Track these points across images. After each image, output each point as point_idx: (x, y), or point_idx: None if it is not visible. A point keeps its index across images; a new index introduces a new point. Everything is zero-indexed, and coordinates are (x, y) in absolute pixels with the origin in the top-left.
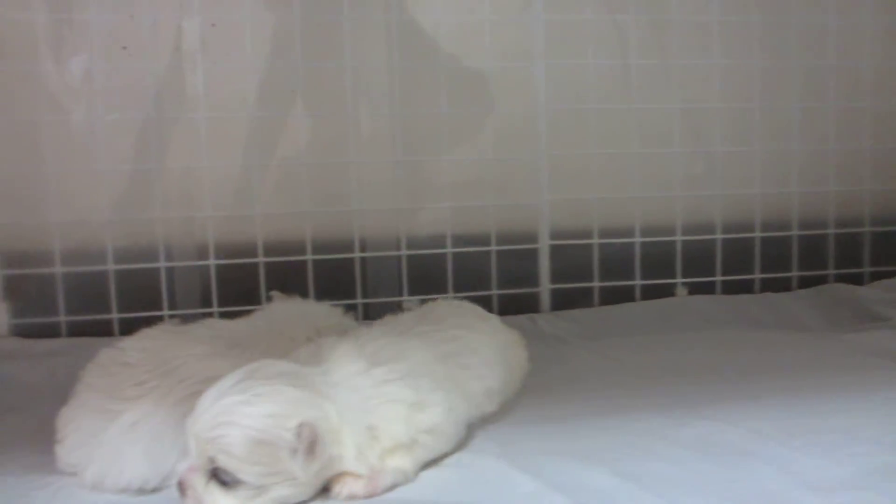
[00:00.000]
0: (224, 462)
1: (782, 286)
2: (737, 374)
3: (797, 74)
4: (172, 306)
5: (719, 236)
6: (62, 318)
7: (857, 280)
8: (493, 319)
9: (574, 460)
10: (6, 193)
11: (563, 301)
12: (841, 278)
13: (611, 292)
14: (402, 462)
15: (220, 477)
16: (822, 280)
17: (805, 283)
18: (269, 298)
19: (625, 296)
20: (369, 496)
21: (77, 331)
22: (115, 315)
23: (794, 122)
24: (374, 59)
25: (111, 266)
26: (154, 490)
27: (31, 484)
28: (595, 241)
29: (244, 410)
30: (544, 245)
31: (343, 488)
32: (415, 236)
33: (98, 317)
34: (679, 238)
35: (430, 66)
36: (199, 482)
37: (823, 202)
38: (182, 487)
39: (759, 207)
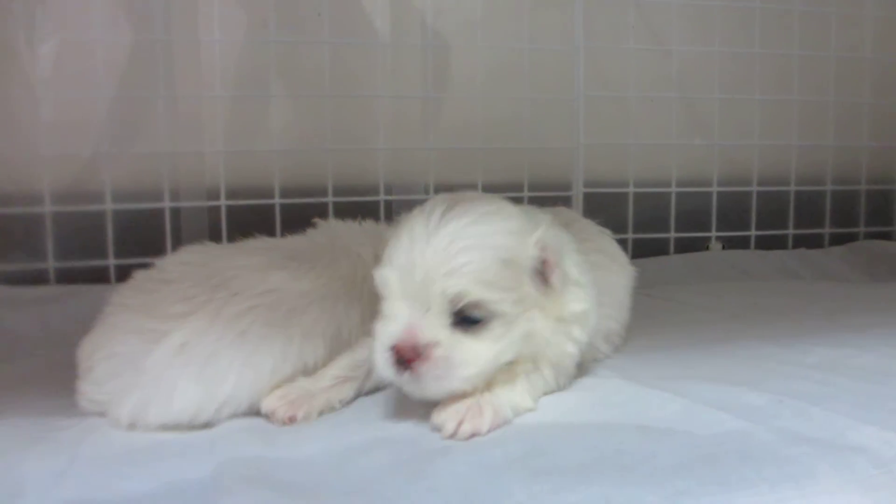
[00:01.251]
0: (478, 294)
1: (814, 243)
2: (819, 312)
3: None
4: None
5: (755, 188)
6: (51, 265)
7: (886, 238)
8: (624, 257)
9: (710, 381)
10: None
11: None
12: (870, 236)
13: (644, 245)
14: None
15: (467, 318)
16: (852, 237)
17: (836, 240)
18: (312, 225)
19: (658, 249)
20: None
21: (68, 279)
22: (111, 261)
23: (830, 74)
24: None
25: (109, 206)
26: (206, 424)
27: (48, 425)
28: (630, 189)
29: (483, 230)
30: (578, 192)
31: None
32: (443, 182)
33: (92, 263)
34: (715, 189)
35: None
36: (442, 334)
37: (856, 159)
38: (405, 354)
39: (795, 161)
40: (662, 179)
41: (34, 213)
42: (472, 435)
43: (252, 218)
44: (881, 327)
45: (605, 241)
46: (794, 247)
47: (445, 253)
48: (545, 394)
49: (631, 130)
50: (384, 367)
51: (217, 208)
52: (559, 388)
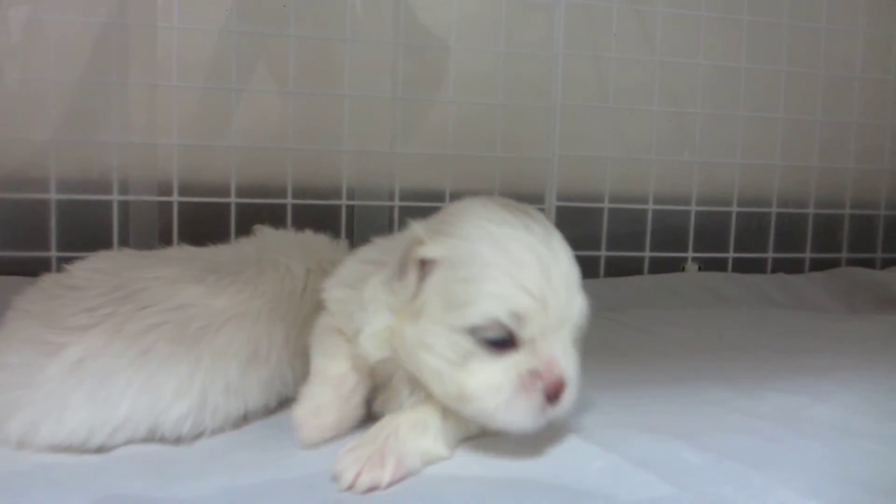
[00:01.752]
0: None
1: (794, 267)
2: (785, 349)
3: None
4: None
5: (735, 209)
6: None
7: (868, 265)
8: None
9: (650, 433)
10: None
11: None
12: (852, 262)
13: (617, 263)
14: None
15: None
16: (834, 263)
17: (817, 265)
18: (251, 233)
19: (632, 268)
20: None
21: (6, 269)
22: (53, 253)
23: (818, 92)
24: None
25: (53, 195)
26: (99, 449)
27: None
28: (605, 205)
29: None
30: (551, 206)
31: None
32: (409, 188)
33: (33, 254)
34: (693, 208)
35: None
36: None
37: (841, 181)
38: (558, 390)
39: (778, 181)
40: (639, 195)
41: None
42: (371, 488)
43: (206, 216)
44: (846, 370)
45: None
46: (773, 271)
47: (572, 273)
48: (465, 439)
49: (609, 142)
50: (528, 412)
51: (169, 204)
52: (480, 432)
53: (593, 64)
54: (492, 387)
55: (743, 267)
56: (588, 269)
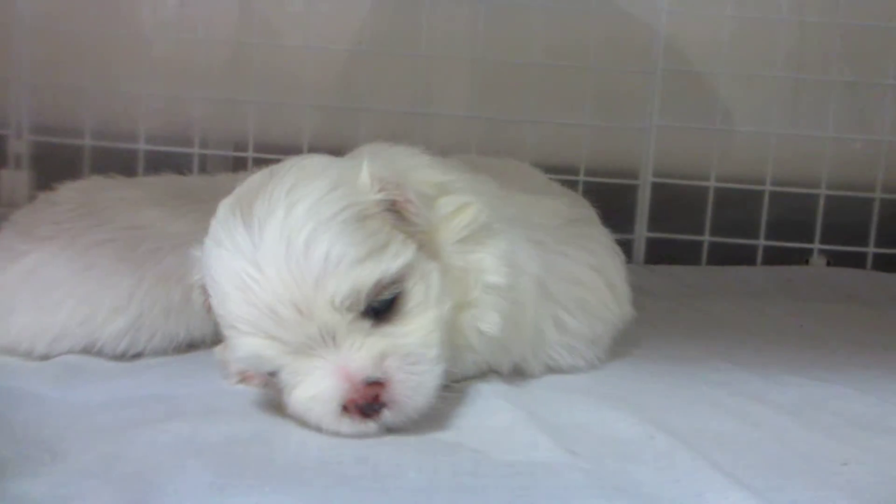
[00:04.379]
0: (365, 276)
1: None
2: (870, 344)
3: None
4: None
5: (879, 195)
6: None
7: None
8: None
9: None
10: (40, 53)
11: (661, 254)
12: None
13: (724, 251)
14: None
15: (375, 308)
16: None
17: None
18: None
19: (742, 258)
20: None
21: None
22: None
23: None
24: None
25: (142, 146)
26: (43, 357)
27: None
28: (711, 183)
29: (307, 208)
30: (645, 181)
31: None
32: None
33: None
34: (823, 192)
35: None
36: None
37: None
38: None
39: None
40: (754, 176)
41: (75, 145)
42: None
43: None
44: None
45: (611, 258)
46: None
47: (290, 277)
48: None
49: (717, 114)
50: (345, 426)
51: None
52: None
53: (702, 24)
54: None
55: (887, 265)
56: (688, 254)
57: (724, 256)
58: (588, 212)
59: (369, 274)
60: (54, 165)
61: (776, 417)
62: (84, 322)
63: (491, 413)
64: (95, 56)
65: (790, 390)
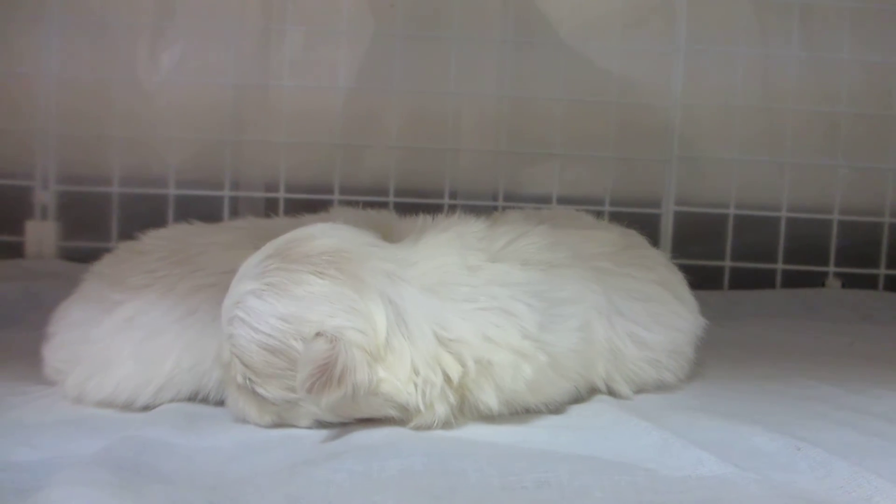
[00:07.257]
0: (242, 369)
1: None
2: None
3: None
4: None
5: (887, 219)
6: (115, 245)
7: None
8: (693, 300)
9: (719, 417)
10: (66, 104)
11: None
12: None
13: (744, 275)
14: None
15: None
16: None
17: None
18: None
19: (761, 282)
20: None
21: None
22: None
23: None
24: None
25: (172, 190)
26: (145, 408)
27: (7, 390)
28: (731, 211)
29: (253, 306)
30: (668, 210)
31: None
32: (515, 191)
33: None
34: (836, 217)
35: None
36: (231, 383)
37: None
38: None
39: None
40: (770, 203)
41: (101, 193)
42: None
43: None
44: None
45: (672, 274)
46: None
47: (227, 313)
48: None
49: (735, 143)
50: None
51: (275, 200)
52: None
53: (719, 60)
54: None
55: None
56: (710, 280)
57: (742, 282)
58: (638, 238)
59: (240, 365)
60: (80, 216)
61: (889, 427)
62: (191, 369)
63: (640, 434)
64: (121, 104)
65: (883, 402)
